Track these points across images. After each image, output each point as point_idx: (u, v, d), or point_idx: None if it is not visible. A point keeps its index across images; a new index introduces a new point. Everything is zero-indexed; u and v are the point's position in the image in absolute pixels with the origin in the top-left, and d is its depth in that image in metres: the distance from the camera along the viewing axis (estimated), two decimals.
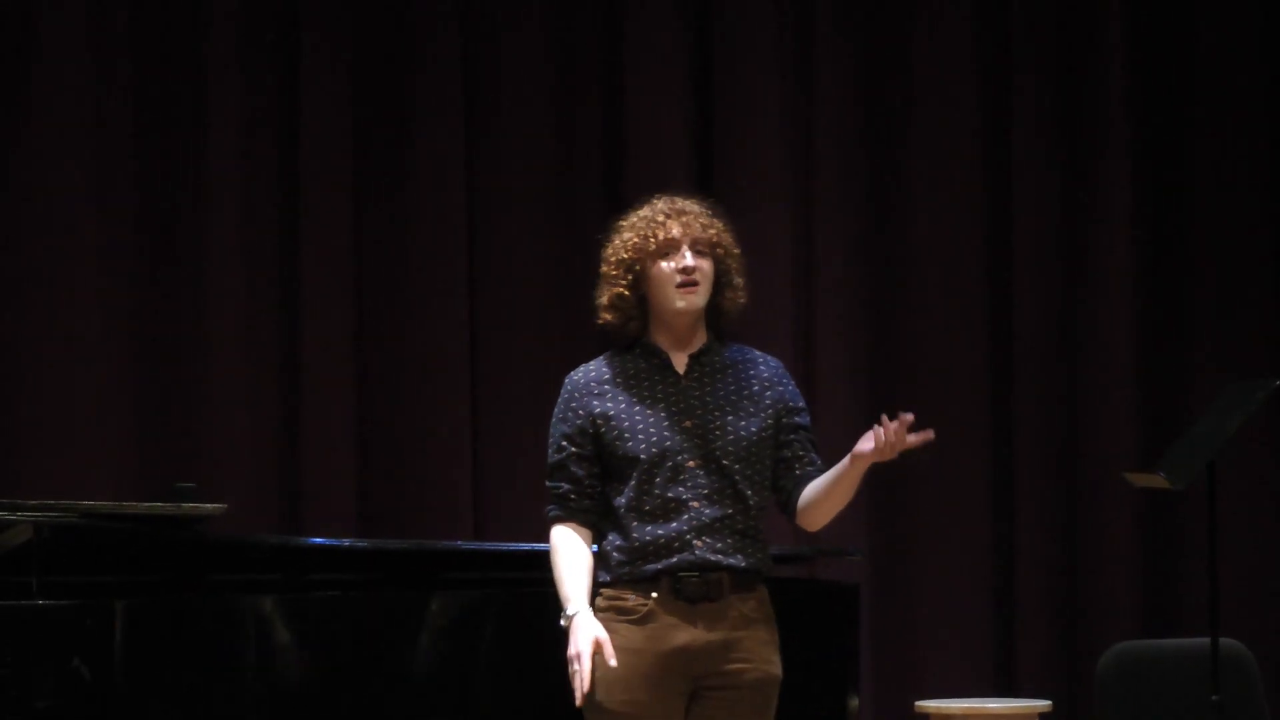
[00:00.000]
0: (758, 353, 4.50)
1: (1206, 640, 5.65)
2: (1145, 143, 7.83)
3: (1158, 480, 5.74)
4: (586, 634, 4.24)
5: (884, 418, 4.28)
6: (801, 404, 4.47)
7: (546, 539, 4.39)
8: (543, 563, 4.43)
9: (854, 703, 5.61)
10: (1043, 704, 6.94)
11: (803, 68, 7.71)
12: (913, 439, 4.31)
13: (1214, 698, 5.57)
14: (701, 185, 7.61)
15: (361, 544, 6.15)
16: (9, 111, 7.17)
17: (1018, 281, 7.76)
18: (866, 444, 4.29)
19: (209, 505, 5.21)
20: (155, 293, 7.27)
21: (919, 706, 6.95)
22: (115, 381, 7.17)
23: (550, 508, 4.38)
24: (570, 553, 4.34)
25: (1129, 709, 5.93)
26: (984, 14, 7.82)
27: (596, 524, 4.37)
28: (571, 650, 4.25)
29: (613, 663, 4.22)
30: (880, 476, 7.66)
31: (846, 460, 4.33)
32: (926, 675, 7.55)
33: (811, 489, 4.40)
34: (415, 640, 5.20)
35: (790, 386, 4.47)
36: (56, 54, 7.16)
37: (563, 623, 4.29)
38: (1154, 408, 7.76)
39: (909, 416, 4.30)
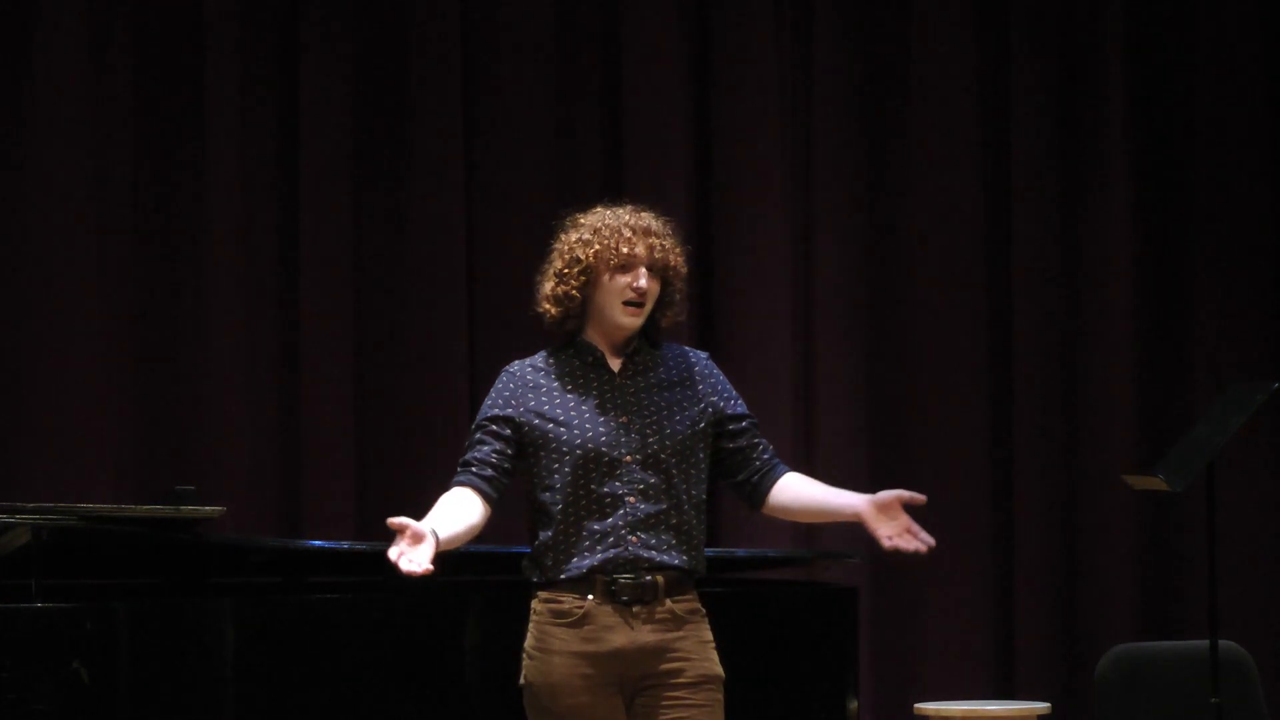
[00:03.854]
0: (687, 348, 4.54)
1: (1206, 642, 5.65)
2: (1145, 141, 7.82)
3: (1157, 483, 5.74)
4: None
5: (909, 525, 4.52)
6: (734, 392, 4.49)
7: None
8: None
9: (853, 705, 5.61)
10: (1042, 706, 6.94)
11: (802, 66, 7.70)
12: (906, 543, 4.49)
13: (1213, 700, 5.57)
14: (701, 185, 7.62)
15: (360, 546, 6.15)
16: (8, 111, 7.17)
17: (1017, 282, 7.76)
18: (881, 529, 4.49)
19: (208, 508, 5.21)
20: (155, 293, 7.26)
21: (918, 709, 6.94)
22: (115, 383, 7.17)
23: (456, 475, 4.39)
24: (447, 500, 4.29)
25: (1128, 711, 5.93)
26: (984, 13, 7.81)
27: (489, 496, 4.33)
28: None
29: (420, 561, 4.13)
30: (880, 478, 7.68)
31: (850, 509, 4.44)
32: (925, 677, 7.55)
33: (799, 496, 4.45)
34: (415, 642, 5.21)
35: (720, 376, 4.50)
36: (56, 53, 7.16)
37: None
38: (1153, 408, 7.76)
39: (921, 498, 4.49)
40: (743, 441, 4.45)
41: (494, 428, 4.38)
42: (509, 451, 4.37)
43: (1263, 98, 7.85)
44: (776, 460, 4.48)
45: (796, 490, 4.46)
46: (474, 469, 4.36)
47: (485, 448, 4.37)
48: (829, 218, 7.70)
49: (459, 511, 4.29)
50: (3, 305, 7.14)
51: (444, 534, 4.18)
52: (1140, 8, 7.84)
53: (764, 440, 4.48)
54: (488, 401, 4.43)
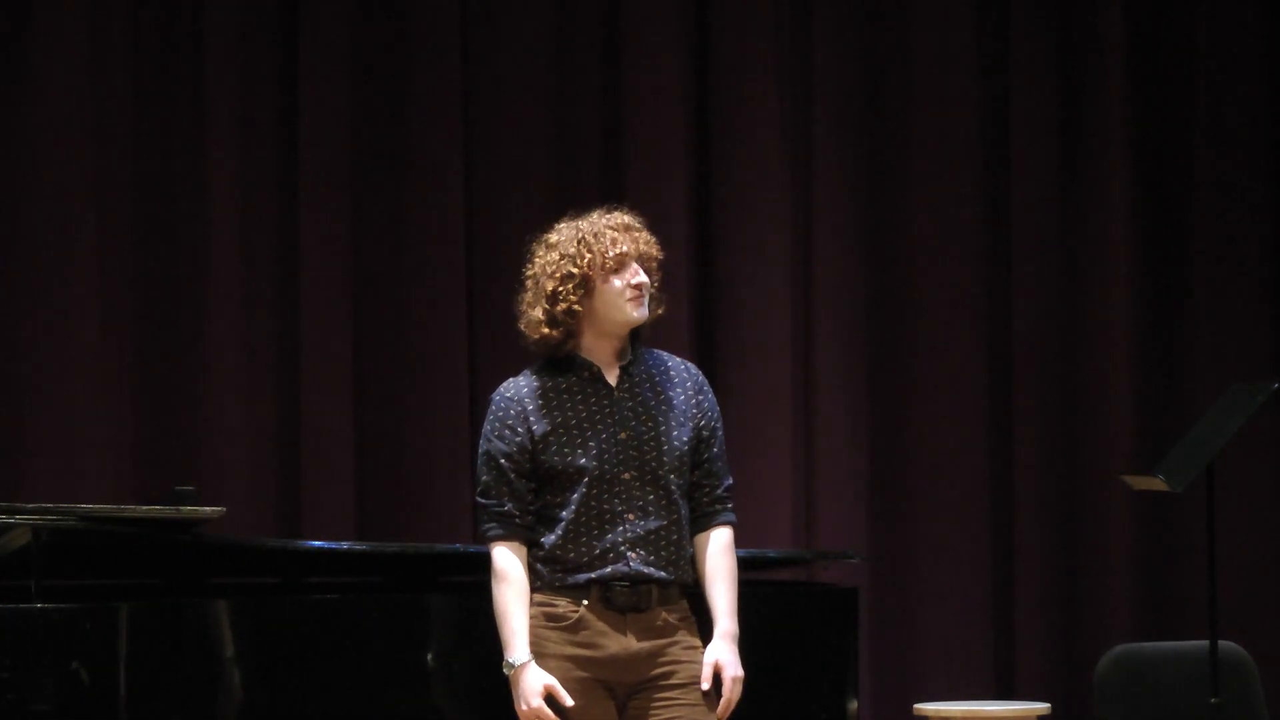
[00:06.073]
0: (675, 358, 4.56)
1: (1205, 643, 5.66)
2: (1145, 141, 7.82)
3: (1156, 483, 5.74)
4: (535, 687, 4.29)
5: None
6: (718, 414, 4.54)
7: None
8: None
9: (853, 705, 5.61)
10: (1041, 706, 6.94)
11: (801, 67, 7.70)
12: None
13: (1213, 700, 5.57)
14: (701, 187, 7.62)
15: (360, 546, 6.15)
16: (7, 112, 7.16)
17: (1017, 282, 7.76)
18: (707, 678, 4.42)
19: (208, 508, 5.20)
20: (155, 293, 7.26)
21: (918, 709, 6.95)
22: (115, 383, 7.17)
23: (490, 526, 4.40)
24: (515, 584, 4.38)
25: (1128, 711, 5.93)
26: (984, 13, 7.81)
27: (531, 540, 4.41)
28: (522, 706, 4.30)
29: (569, 703, 4.28)
30: (880, 478, 7.69)
31: (716, 628, 4.43)
32: (925, 678, 7.54)
33: (702, 568, 4.47)
34: (414, 643, 5.21)
35: (710, 396, 4.53)
36: (55, 53, 7.15)
37: (505, 670, 4.33)
38: (1153, 409, 7.75)
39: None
40: (698, 475, 4.48)
41: (513, 465, 4.39)
42: (533, 486, 4.40)
43: (1263, 98, 7.85)
44: (720, 509, 4.49)
45: (702, 559, 4.47)
46: (517, 519, 4.40)
47: (515, 491, 4.40)
48: (829, 218, 7.69)
49: (527, 599, 4.38)
50: (2, 305, 7.14)
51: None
52: (1140, 8, 7.83)
53: (719, 480, 4.49)
54: (493, 432, 4.43)
